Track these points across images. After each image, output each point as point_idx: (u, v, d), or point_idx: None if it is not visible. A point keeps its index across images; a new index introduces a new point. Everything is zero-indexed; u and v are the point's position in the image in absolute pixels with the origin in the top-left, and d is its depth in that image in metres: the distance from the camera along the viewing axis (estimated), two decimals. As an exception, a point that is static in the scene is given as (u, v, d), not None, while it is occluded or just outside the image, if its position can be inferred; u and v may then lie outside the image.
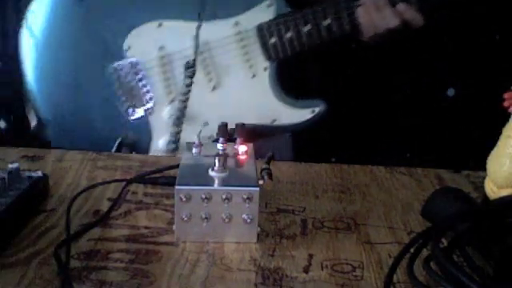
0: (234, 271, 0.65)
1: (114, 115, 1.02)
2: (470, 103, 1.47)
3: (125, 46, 1.00)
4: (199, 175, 0.72)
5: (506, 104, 0.72)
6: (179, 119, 1.00)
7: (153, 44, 1.00)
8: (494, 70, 1.41)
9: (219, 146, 0.78)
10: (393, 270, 0.64)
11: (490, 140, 0.75)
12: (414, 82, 1.47)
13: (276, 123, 1.02)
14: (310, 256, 0.69)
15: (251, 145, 0.80)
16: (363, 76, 1.45)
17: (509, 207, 0.67)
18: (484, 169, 0.76)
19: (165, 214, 0.78)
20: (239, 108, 1.01)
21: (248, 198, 0.69)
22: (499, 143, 0.74)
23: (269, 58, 1.01)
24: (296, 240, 0.73)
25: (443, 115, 1.49)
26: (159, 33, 1.00)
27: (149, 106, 1.02)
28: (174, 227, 0.71)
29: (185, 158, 0.78)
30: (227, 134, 0.78)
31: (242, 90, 1.01)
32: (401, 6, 0.96)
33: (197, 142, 0.80)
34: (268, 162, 0.77)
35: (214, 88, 1.01)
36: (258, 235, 0.71)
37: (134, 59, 1.00)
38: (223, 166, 0.72)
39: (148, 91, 1.01)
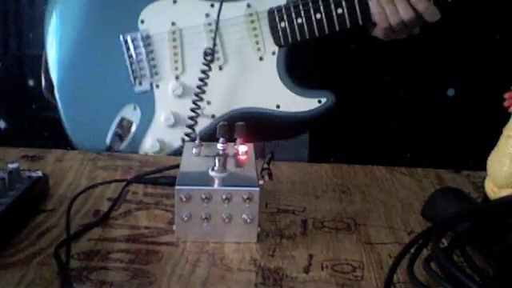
0: (234, 271, 0.65)
1: (120, 85, 1.03)
2: (470, 103, 1.47)
3: (139, 20, 1.02)
4: (199, 175, 0.72)
5: (506, 104, 0.72)
6: (195, 104, 1.01)
7: (166, 19, 1.02)
8: (494, 69, 1.41)
9: (219, 146, 0.78)
10: (393, 270, 0.64)
11: (491, 140, 0.75)
12: (415, 82, 1.48)
13: (280, 109, 1.02)
14: (310, 256, 0.69)
15: (251, 145, 0.80)
16: (363, 76, 1.46)
17: (509, 207, 0.67)
18: (484, 169, 0.76)
19: (165, 214, 0.78)
20: (243, 90, 1.02)
21: (248, 198, 0.69)
22: (499, 143, 0.74)
23: (277, 42, 1.01)
24: (296, 240, 0.73)
25: (443, 115, 1.50)
26: (173, 9, 1.02)
27: (155, 79, 1.03)
28: (174, 227, 0.71)
29: (185, 158, 0.78)
30: (228, 133, 0.78)
31: (248, 71, 1.02)
32: None
33: (197, 142, 0.80)
34: (268, 162, 0.77)
35: (221, 68, 1.02)
36: (258, 235, 0.71)
37: (146, 32, 1.02)
38: (223, 166, 0.72)
39: (155, 65, 1.03)
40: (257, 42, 1.01)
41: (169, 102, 1.03)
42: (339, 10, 0.97)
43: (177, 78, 1.03)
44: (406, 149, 1.53)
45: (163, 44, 1.02)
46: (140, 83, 1.03)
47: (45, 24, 1.05)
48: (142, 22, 1.02)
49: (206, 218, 0.69)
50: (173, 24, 1.02)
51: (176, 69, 1.02)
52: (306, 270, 0.66)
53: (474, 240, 0.67)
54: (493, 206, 0.71)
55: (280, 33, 1.00)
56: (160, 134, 1.03)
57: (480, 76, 1.45)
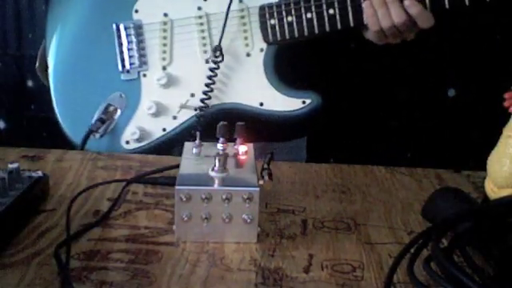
0: (234, 271, 0.65)
1: (109, 72, 1.05)
2: (470, 103, 1.47)
3: (134, 9, 1.04)
4: (199, 175, 0.72)
5: (506, 104, 0.72)
6: (203, 101, 1.01)
7: (159, 10, 1.03)
8: (494, 70, 1.41)
9: (219, 146, 0.78)
10: (393, 270, 0.64)
11: (491, 140, 0.75)
12: (415, 83, 1.48)
13: (263, 107, 1.02)
14: (310, 256, 0.69)
15: (251, 145, 0.80)
16: (363, 76, 1.46)
17: (509, 207, 0.67)
18: (484, 169, 0.76)
19: (165, 214, 0.78)
20: (228, 84, 1.02)
21: (248, 198, 0.69)
22: (499, 143, 0.74)
23: (266, 39, 1.01)
24: (296, 240, 0.72)
25: (443, 115, 1.50)
26: (167, 0, 1.03)
27: (143, 68, 1.04)
28: (174, 227, 0.71)
29: (185, 158, 0.78)
30: (227, 133, 0.78)
31: (235, 66, 1.02)
32: (408, 2, 0.93)
33: (197, 142, 0.80)
34: (268, 163, 0.77)
35: (207, 61, 1.02)
36: (258, 235, 0.71)
37: (139, 22, 1.04)
38: (223, 166, 0.72)
39: (144, 55, 1.04)
40: (245, 38, 1.02)
41: (154, 92, 1.04)
42: (331, 11, 0.97)
43: (164, 68, 1.04)
44: (406, 149, 1.53)
45: (154, 34, 1.04)
46: (128, 71, 1.04)
47: (47, 10, 1.08)
48: (137, 11, 1.04)
49: (206, 218, 0.69)
50: (165, 15, 1.03)
51: (164, 59, 1.03)
52: (306, 270, 0.66)
53: (474, 240, 0.67)
54: (493, 206, 0.71)
55: (269, 30, 1.01)
56: (142, 123, 1.05)
57: (480, 76, 1.45)
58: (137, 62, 1.04)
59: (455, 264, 0.59)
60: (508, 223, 0.66)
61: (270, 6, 1.00)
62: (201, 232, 0.70)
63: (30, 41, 1.44)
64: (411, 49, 1.18)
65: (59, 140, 1.07)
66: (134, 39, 1.03)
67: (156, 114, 1.04)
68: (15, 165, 0.75)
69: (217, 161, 0.72)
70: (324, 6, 0.97)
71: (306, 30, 0.99)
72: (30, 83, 1.47)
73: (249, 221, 0.70)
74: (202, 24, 1.02)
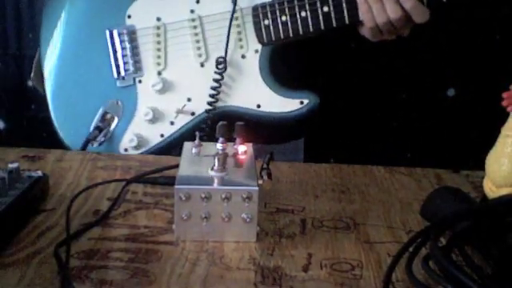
0: (233, 270, 0.65)
1: (105, 79, 1.05)
2: (470, 103, 1.47)
3: (127, 15, 1.03)
4: (199, 175, 0.72)
5: (504, 103, 0.72)
6: (208, 112, 1.01)
7: (152, 15, 1.02)
8: (494, 70, 1.41)
9: (218, 145, 0.78)
10: (392, 268, 0.64)
11: (490, 140, 0.76)
12: (415, 83, 1.48)
13: (261, 109, 1.01)
14: (310, 255, 0.69)
15: (251, 145, 0.80)
16: (363, 76, 1.46)
17: (507, 206, 0.67)
18: (483, 168, 0.76)
19: (164, 214, 0.78)
20: (225, 88, 1.01)
21: (247, 198, 0.69)
22: (498, 143, 0.74)
23: (261, 40, 1.00)
24: (295, 239, 0.73)
25: (443, 115, 1.50)
26: (160, 4, 1.02)
27: (138, 74, 1.03)
28: (174, 226, 0.71)
29: (184, 157, 0.78)
30: (227, 133, 0.78)
31: (230, 69, 1.01)
32: None
33: (196, 141, 0.80)
34: (267, 162, 0.77)
35: (202, 64, 1.01)
36: (258, 234, 0.71)
37: (132, 27, 1.03)
38: (223, 166, 0.72)
39: (139, 60, 1.03)
40: (240, 40, 1.01)
41: (150, 98, 1.03)
42: (325, 9, 0.96)
43: (159, 73, 1.03)
44: (406, 149, 1.53)
45: (147, 39, 1.03)
46: (123, 78, 1.04)
47: (42, 19, 1.08)
48: (129, 16, 1.03)
49: (206, 218, 0.70)
50: (158, 19, 1.02)
51: (158, 64, 1.03)
52: (305, 269, 0.66)
53: (472, 239, 0.67)
54: (491, 205, 0.71)
55: (263, 30, 1.00)
56: (140, 129, 1.04)
57: (480, 76, 1.45)
58: (131, 68, 1.03)
59: (454, 263, 0.60)
60: (506, 222, 0.67)
61: (263, 6, 0.99)
62: (200, 231, 0.70)
63: (30, 41, 1.44)
64: (411, 48, 1.18)
65: (59, 140, 1.07)
66: (127, 45, 1.02)
67: (153, 120, 1.03)
68: (15, 165, 0.75)
69: (216, 160, 0.72)
70: (318, 4, 0.96)
71: (300, 29, 0.98)
72: (30, 83, 1.47)
73: (248, 220, 0.70)
74: (195, 27, 1.01)
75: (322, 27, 0.97)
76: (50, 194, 0.81)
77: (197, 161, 0.77)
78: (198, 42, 1.01)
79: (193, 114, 1.02)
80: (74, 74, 1.05)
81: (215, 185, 0.70)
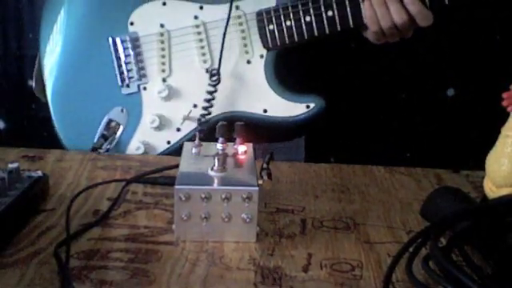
0: (233, 270, 0.65)
1: (109, 87, 1.04)
2: (470, 103, 1.48)
3: (129, 21, 1.02)
4: (199, 175, 0.72)
5: (504, 103, 0.72)
6: (201, 125, 1.00)
7: (155, 21, 1.02)
8: (494, 70, 1.41)
9: (219, 145, 0.78)
10: (392, 269, 0.64)
11: (490, 140, 0.76)
12: (414, 83, 1.48)
13: (267, 114, 1.01)
14: (310, 255, 0.69)
15: (250, 145, 0.80)
16: (363, 76, 1.46)
17: (507, 206, 0.67)
18: (483, 168, 0.76)
19: (164, 214, 0.78)
20: (230, 93, 1.01)
21: (247, 198, 0.69)
22: (498, 143, 0.74)
23: (266, 45, 1.00)
24: (295, 239, 0.73)
25: (443, 115, 1.50)
26: (163, 11, 1.01)
27: (142, 81, 1.02)
28: (174, 227, 0.71)
29: (184, 157, 0.78)
30: (227, 133, 0.78)
31: (236, 75, 1.01)
32: (408, 0, 0.92)
33: (196, 141, 0.80)
34: (267, 162, 0.77)
35: (208, 70, 1.01)
36: (258, 235, 0.71)
37: (135, 34, 1.02)
38: (223, 166, 0.72)
39: (143, 67, 1.02)
40: (245, 45, 1.00)
41: (155, 105, 1.03)
42: (330, 13, 0.96)
43: (164, 80, 1.02)
44: (406, 149, 1.53)
45: (151, 46, 1.02)
46: (128, 85, 1.03)
47: (40, 27, 1.06)
48: (132, 23, 1.02)
49: (206, 218, 0.70)
50: (161, 26, 1.01)
51: (163, 71, 1.02)
52: (305, 269, 0.66)
53: (472, 239, 0.67)
54: (491, 206, 0.71)
55: (268, 35, 0.99)
56: (146, 137, 1.03)
57: (480, 76, 1.45)
58: (136, 76, 1.02)
59: (454, 263, 0.60)
60: (506, 222, 0.67)
61: (268, 11, 0.99)
62: (200, 231, 0.70)
63: (31, 41, 1.44)
64: (411, 49, 1.18)
65: (59, 140, 1.07)
66: (131, 52, 1.01)
67: (159, 128, 1.02)
68: (15, 165, 0.75)
69: (216, 160, 0.72)
70: (322, 8, 0.96)
71: (305, 33, 0.98)
72: (30, 83, 1.47)
73: (248, 220, 0.70)
74: (199, 33, 1.00)
75: (327, 31, 0.97)
76: (50, 194, 0.81)
77: (197, 161, 0.77)
78: (202, 48, 1.01)
79: (199, 119, 1.02)
80: (77, 83, 1.04)
81: (215, 185, 0.70)
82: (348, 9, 0.95)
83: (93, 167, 0.93)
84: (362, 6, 0.95)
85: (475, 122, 1.45)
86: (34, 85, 1.09)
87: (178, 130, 1.03)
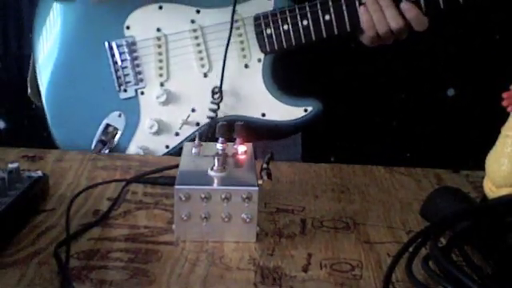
0: (233, 270, 0.65)
1: (106, 92, 1.03)
2: (470, 103, 1.48)
3: (125, 26, 1.01)
4: (199, 175, 0.72)
5: (504, 103, 0.72)
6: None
7: (151, 25, 1.01)
8: (494, 70, 1.41)
9: (219, 145, 0.78)
10: (391, 269, 0.64)
11: (490, 140, 0.76)
12: (415, 82, 1.48)
13: (265, 117, 1.01)
14: (309, 255, 0.69)
15: (250, 145, 0.80)
16: (363, 76, 1.46)
17: (507, 206, 0.67)
18: (483, 168, 0.76)
19: (164, 214, 0.78)
20: (229, 97, 1.01)
21: (247, 198, 0.69)
22: (498, 143, 0.74)
23: (263, 49, 1.00)
24: (295, 239, 0.73)
25: (443, 115, 1.50)
26: (159, 15, 1.01)
27: (140, 86, 1.02)
28: (174, 227, 0.71)
29: (184, 157, 0.78)
30: (227, 133, 0.78)
31: (234, 79, 1.00)
32: (405, 6, 0.93)
33: (196, 142, 0.80)
34: (267, 162, 0.77)
35: (206, 75, 1.01)
36: (258, 235, 0.71)
37: (131, 39, 1.01)
38: (222, 166, 0.72)
39: (140, 72, 1.02)
40: (242, 49, 1.00)
41: (154, 109, 1.02)
42: (327, 17, 0.96)
43: (161, 84, 1.02)
44: (406, 149, 1.53)
45: (148, 50, 1.01)
46: (125, 90, 1.02)
47: (33, 32, 1.05)
48: (128, 28, 1.02)
49: (206, 218, 0.70)
50: (158, 30, 1.01)
51: (161, 75, 1.01)
52: (305, 269, 0.66)
53: (472, 239, 0.67)
54: (491, 205, 0.71)
55: (266, 40, 0.99)
56: (144, 142, 1.03)
57: (480, 76, 1.45)
58: (133, 80, 1.02)
59: (453, 263, 0.60)
60: (506, 222, 0.67)
61: (265, 16, 0.98)
62: (200, 231, 0.70)
63: (31, 40, 1.44)
64: (411, 49, 1.18)
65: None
66: (127, 57, 1.01)
67: (158, 132, 1.02)
68: (15, 165, 0.75)
69: (216, 160, 0.72)
70: (320, 13, 0.96)
71: (302, 37, 0.98)
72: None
73: (248, 220, 0.70)
74: (197, 37, 1.00)
75: (324, 35, 0.97)
76: (50, 194, 0.81)
77: (197, 161, 0.77)
78: (200, 52, 1.00)
79: (198, 124, 1.02)
80: (74, 88, 1.03)
81: (215, 185, 0.70)
82: (345, 13, 0.95)
83: (93, 167, 0.93)
84: (358, 10, 0.95)
85: (475, 122, 1.46)
86: (29, 90, 1.09)
87: (177, 134, 1.03)
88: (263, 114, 1.01)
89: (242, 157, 0.78)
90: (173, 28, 1.01)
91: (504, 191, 0.72)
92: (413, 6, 0.93)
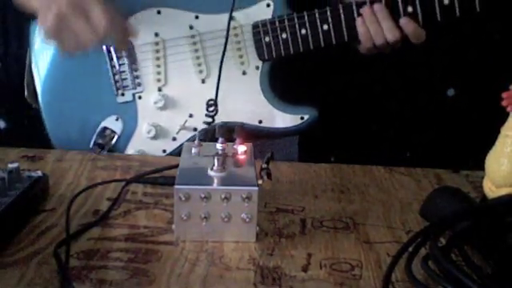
0: (233, 270, 0.66)
1: (104, 96, 1.03)
2: (470, 103, 1.48)
3: None
4: (198, 175, 0.72)
5: (504, 103, 0.72)
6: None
7: (149, 30, 1.00)
8: (494, 70, 1.41)
9: (218, 145, 0.78)
10: (391, 268, 0.64)
11: (489, 140, 0.76)
12: (415, 83, 1.48)
13: (263, 125, 1.02)
14: (309, 255, 0.69)
15: (250, 145, 0.80)
16: (363, 76, 1.46)
17: (507, 206, 0.67)
18: (483, 168, 0.76)
19: (164, 214, 0.78)
20: (226, 104, 1.00)
21: (247, 198, 0.69)
22: (497, 143, 0.74)
23: (261, 57, 1.00)
24: (295, 239, 0.73)
25: (443, 115, 1.50)
26: (157, 20, 1.00)
27: (137, 90, 1.02)
28: (174, 227, 0.71)
29: (184, 157, 0.78)
30: (226, 134, 0.78)
31: (231, 85, 1.00)
32: (402, 20, 0.93)
33: (196, 142, 0.80)
34: (267, 162, 0.77)
35: (203, 81, 1.01)
36: (257, 234, 0.71)
37: (129, 43, 1.00)
38: (222, 166, 0.72)
39: (138, 76, 1.02)
40: (240, 56, 1.00)
41: (151, 114, 1.02)
42: (325, 27, 0.96)
43: (159, 89, 1.02)
44: (406, 149, 1.53)
45: (146, 55, 1.01)
46: (123, 94, 1.02)
47: (30, 35, 1.05)
48: None
49: (205, 218, 0.70)
50: (156, 35, 1.00)
51: (159, 80, 1.01)
52: (305, 269, 0.66)
53: (472, 239, 0.67)
54: (491, 205, 0.71)
55: (264, 47, 0.99)
56: (141, 146, 1.03)
57: (480, 76, 1.45)
58: (131, 84, 1.01)
59: (453, 263, 0.60)
60: (506, 222, 0.67)
61: (264, 24, 0.98)
62: (200, 231, 0.70)
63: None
64: (411, 49, 1.18)
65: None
66: (126, 61, 1.00)
67: (155, 137, 1.02)
68: (15, 165, 0.75)
69: (216, 160, 0.72)
70: (318, 22, 0.96)
71: (301, 46, 0.98)
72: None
73: (248, 220, 0.70)
74: (195, 43, 0.99)
75: (322, 44, 0.98)
76: (50, 194, 0.81)
77: (197, 161, 0.77)
78: (198, 58, 1.00)
79: (195, 129, 1.01)
80: (71, 91, 1.02)
81: (215, 185, 0.70)
82: (343, 23, 0.96)
83: (93, 167, 0.93)
84: (356, 21, 0.95)
85: (475, 122, 1.46)
86: (26, 94, 1.08)
87: (174, 139, 1.02)
88: (260, 121, 1.02)
89: (241, 157, 0.78)
90: (171, 33, 1.00)
91: (504, 191, 0.72)
92: (410, 20, 0.93)
